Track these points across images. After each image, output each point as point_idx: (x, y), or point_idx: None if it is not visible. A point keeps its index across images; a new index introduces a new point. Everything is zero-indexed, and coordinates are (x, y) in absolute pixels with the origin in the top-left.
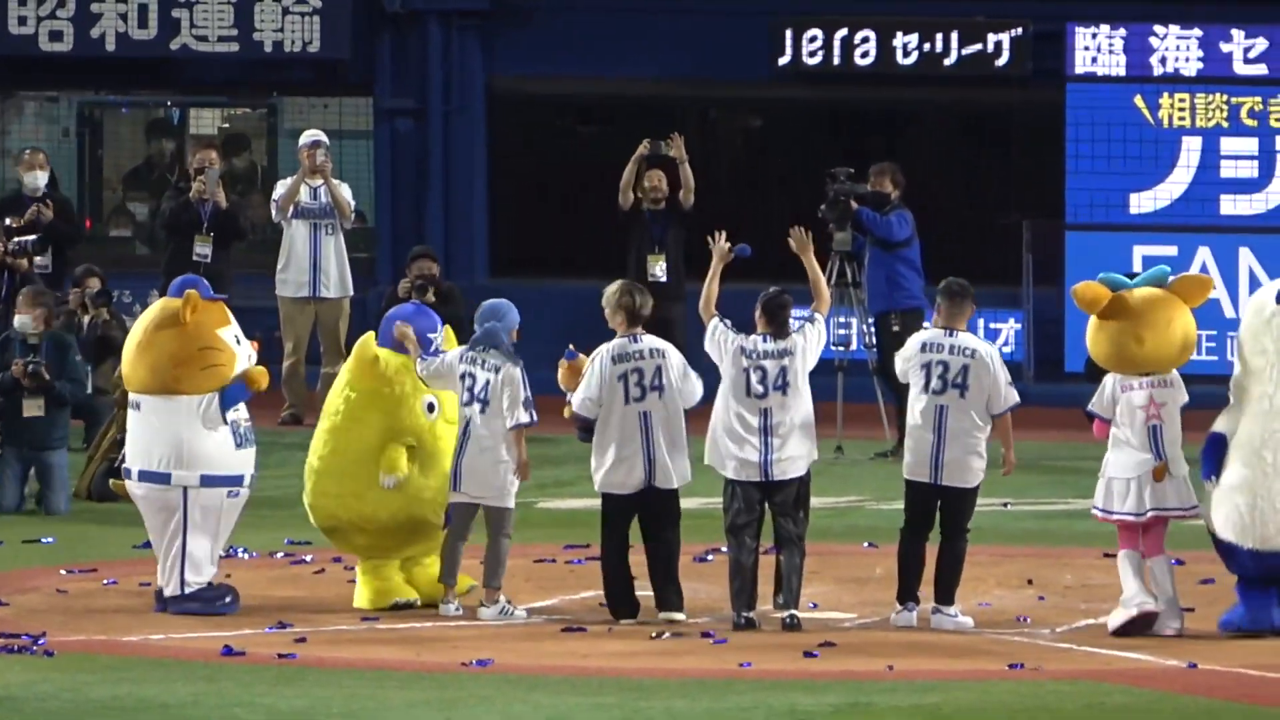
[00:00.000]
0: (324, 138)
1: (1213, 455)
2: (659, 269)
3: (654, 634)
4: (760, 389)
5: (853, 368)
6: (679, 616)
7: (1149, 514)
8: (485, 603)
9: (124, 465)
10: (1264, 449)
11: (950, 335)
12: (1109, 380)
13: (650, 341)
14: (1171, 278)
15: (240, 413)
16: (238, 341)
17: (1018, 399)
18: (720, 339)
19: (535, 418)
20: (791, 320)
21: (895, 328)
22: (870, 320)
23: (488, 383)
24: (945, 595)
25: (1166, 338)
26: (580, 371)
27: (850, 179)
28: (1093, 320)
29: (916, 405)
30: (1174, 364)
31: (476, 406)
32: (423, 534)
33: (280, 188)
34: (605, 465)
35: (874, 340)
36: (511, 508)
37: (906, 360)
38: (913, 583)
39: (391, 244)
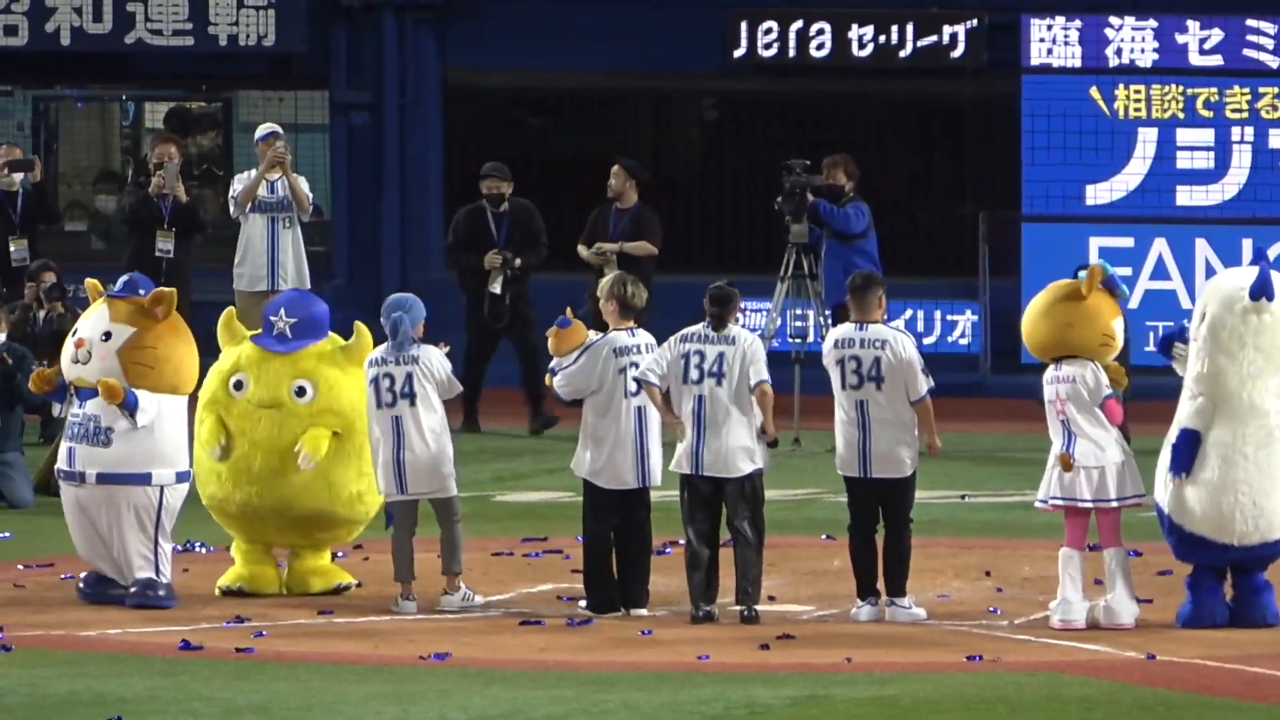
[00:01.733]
0: (279, 130)
1: (1184, 451)
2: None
3: (642, 631)
4: (696, 374)
5: (810, 359)
6: (644, 613)
7: (1087, 503)
8: (447, 590)
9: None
10: (1245, 446)
11: (861, 329)
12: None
13: (645, 336)
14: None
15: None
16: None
17: (931, 385)
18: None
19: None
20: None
21: None
22: (827, 312)
23: (409, 375)
24: (896, 587)
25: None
26: (573, 340)
27: (806, 171)
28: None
29: (839, 402)
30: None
31: (404, 403)
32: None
33: (238, 183)
34: (600, 458)
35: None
36: (457, 494)
37: (825, 358)
38: (868, 578)
39: (348, 238)
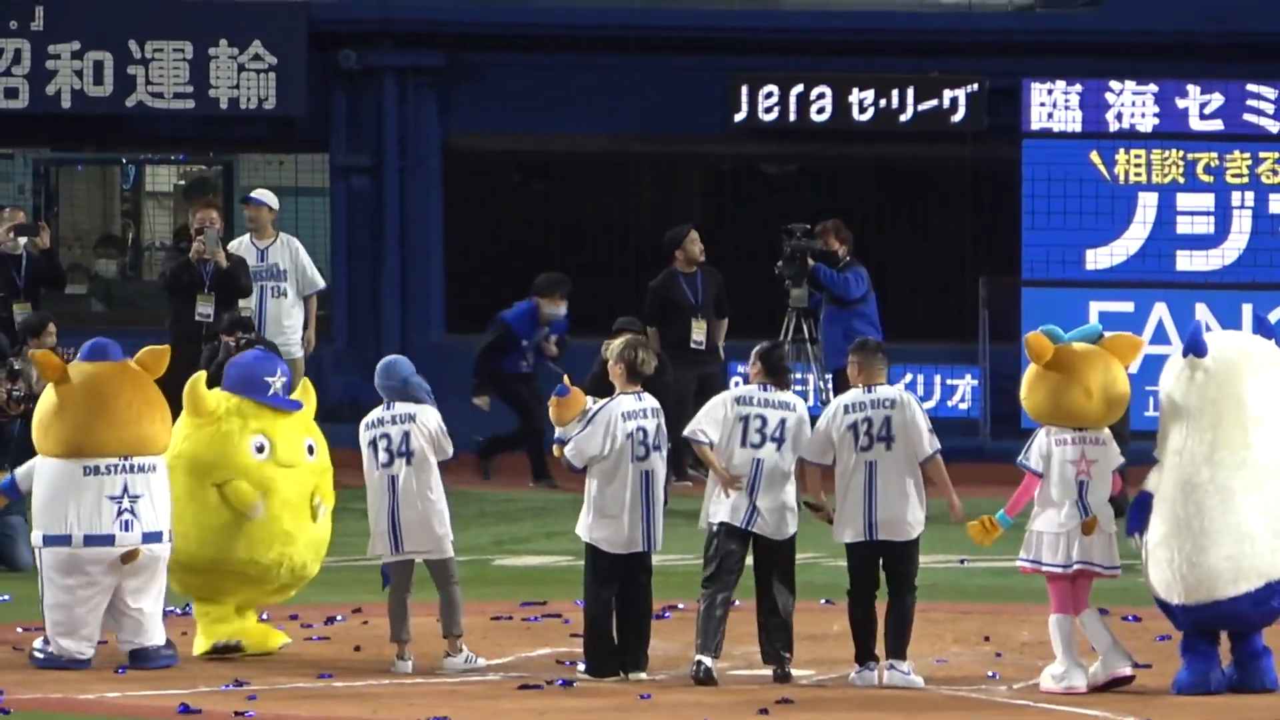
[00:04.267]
0: (256, 197)
1: (1139, 513)
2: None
3: (641, 695)
4: (757, 438)
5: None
6: (644, 676)
7: (1076, 566)
8: (449, 652)
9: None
10: (1183, 503)
11: (869, 391)
12: (1041, 433)
13: (651, 401)
14: (1106, 334)
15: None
16: None
17: (938, 445)
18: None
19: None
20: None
21: None
22: (827, 375)
23: (406, 435)
24: (897, 649)
25: (1114, 394)
26: (573, 408)
27: (807, 235)
28: (1032, 371)
29: (844, 466)
30: (1106, 420)
31: (400, 462)
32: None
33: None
34: (607, 523)
35: (831, 396)
36: (453, 556)
37: (831, 424)
38: (868, 643)
39: (347, 301)
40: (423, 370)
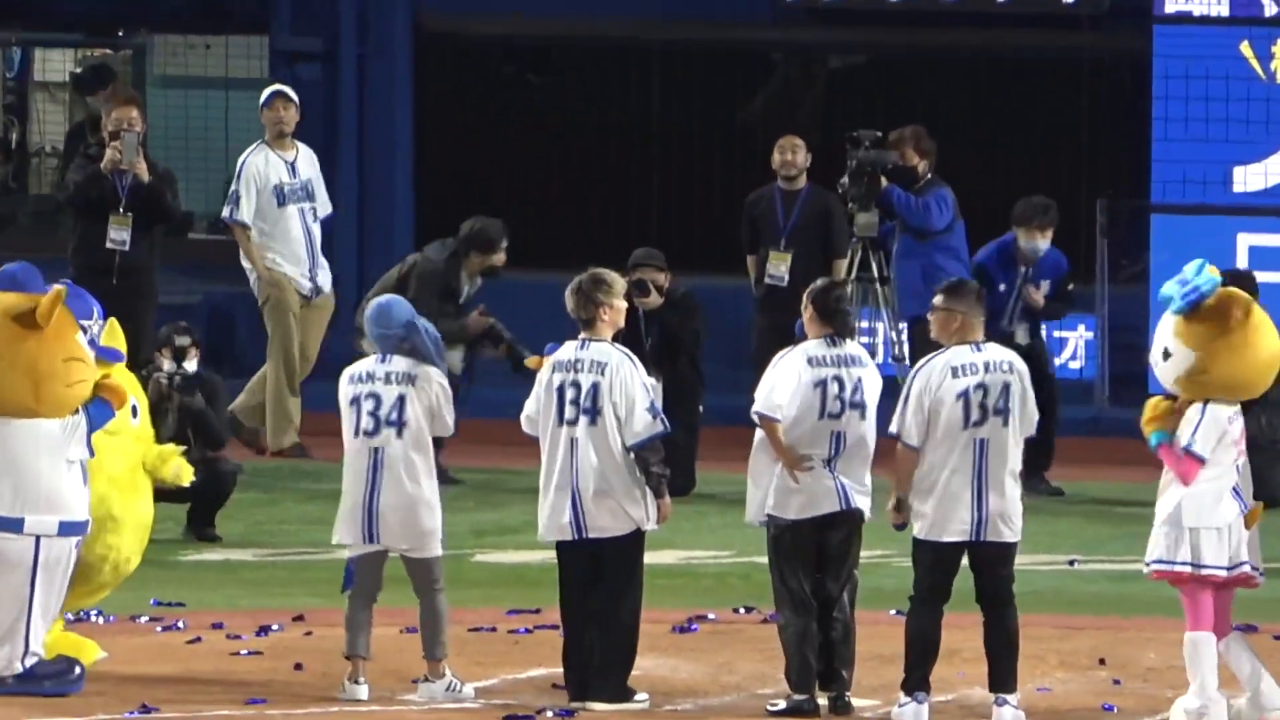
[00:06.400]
0: (282, 89)
1: None
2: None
3: None
4: (836, 406)
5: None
6: (604, 708)
7: (1242, 568)
8: (429, 676)
9: None
10: None
11: (977, 350)
12: (1213, 410)
13: (604, 351)
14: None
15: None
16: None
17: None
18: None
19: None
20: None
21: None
22: (901, 326)
23: (401, 400)
24: (1007, 680)
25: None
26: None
27: (878, 146)
28: (1211, 327)
29: (942, 446)
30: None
31: (389, 433)
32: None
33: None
34: (542, 504)
35: (906, 352)
36: (440, 555)
37: (933, 391)
38: (926, 666)
39: None
40: None
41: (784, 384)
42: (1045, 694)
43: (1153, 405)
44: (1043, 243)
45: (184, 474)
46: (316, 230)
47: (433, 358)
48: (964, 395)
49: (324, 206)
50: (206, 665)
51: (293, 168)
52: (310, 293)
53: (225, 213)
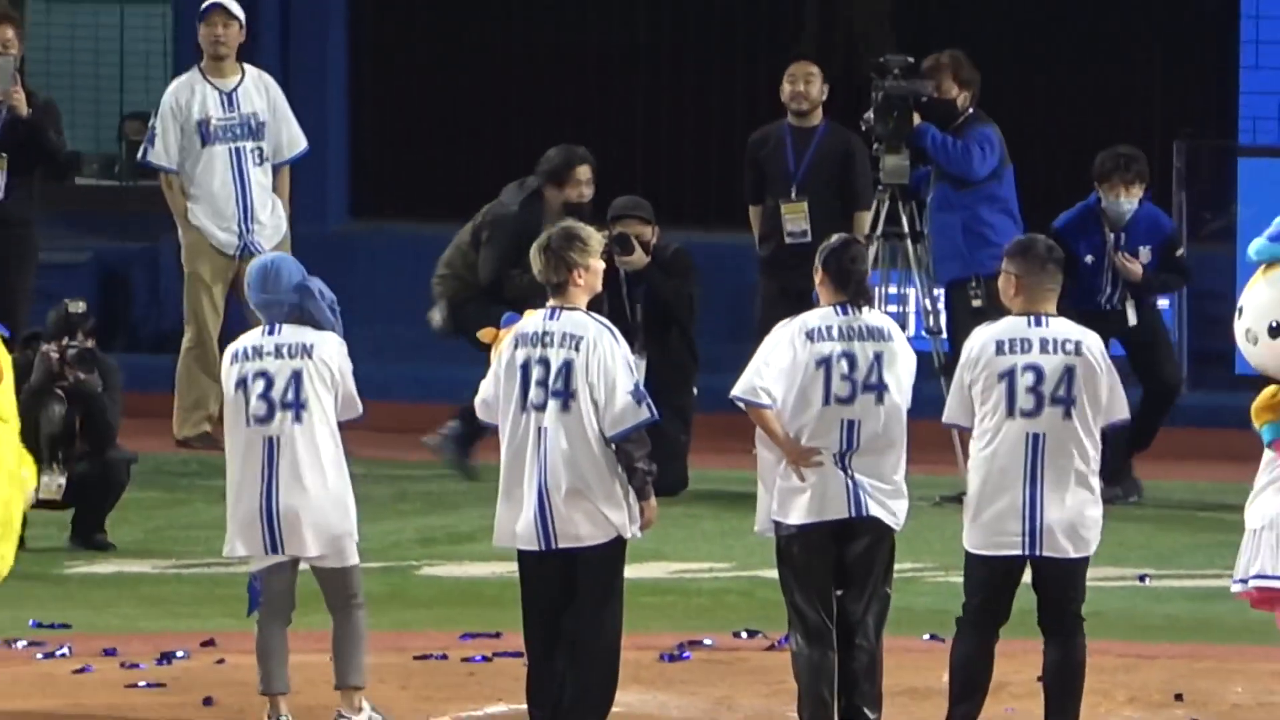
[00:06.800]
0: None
1: None
2: None
3: None
4: (846, 390)
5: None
6: None
7: None
8: (344, 712)
9: None
10: None
11: (1038, 324)
12: None
13: (578, 322)
14: None
15: None
16: None
17: (1128, 411)
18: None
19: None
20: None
21: (976, 302)
22: (937, 292)
23: (296, 377)
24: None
25: None
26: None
27: (909, 75)
28: None
29: (991, 438)
30: None
31: (284, 418)
32: None
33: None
34: (503, 502)
35: (942, 323)
36: (358, 564)
37: (973, 369)
38: (971, 704)
39: None
40: (316, 273)
41: (774, 362)
42: None
43: (1271, 393)
44: (1128, 202)
45: (29, 484)
46: (258, 176)
47: (331, 325)
48: (1009, 377)
49: (286, 146)
50: (97, 699)
51: (229, 99)
52: (237, 252)
53: (139, 153)
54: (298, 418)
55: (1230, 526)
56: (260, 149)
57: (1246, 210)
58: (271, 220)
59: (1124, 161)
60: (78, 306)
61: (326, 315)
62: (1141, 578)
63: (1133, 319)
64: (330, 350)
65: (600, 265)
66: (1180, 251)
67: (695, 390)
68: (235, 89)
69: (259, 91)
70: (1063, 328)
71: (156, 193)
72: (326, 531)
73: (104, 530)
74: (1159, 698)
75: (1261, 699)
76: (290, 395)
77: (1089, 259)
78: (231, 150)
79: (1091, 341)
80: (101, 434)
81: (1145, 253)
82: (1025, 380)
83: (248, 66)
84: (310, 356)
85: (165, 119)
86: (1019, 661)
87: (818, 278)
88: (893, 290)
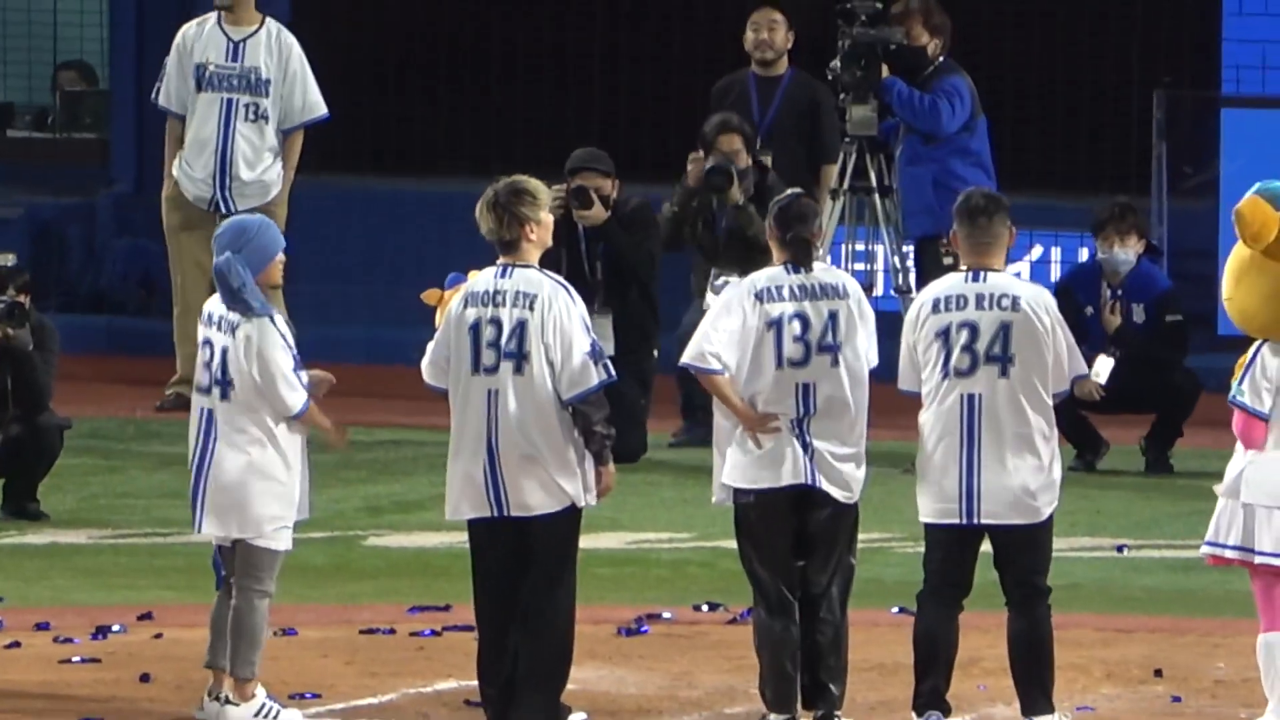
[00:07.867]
0: None
1: None
2: None
3: None
4: (799, 351)
5: (880, 326)
6: None
7: None
8: (233, 698)
9: None
10: None
11: (976, 279)
12: (1265, 354)
13: (531, 280)
14: None
15: None
16: None
17: (1086, 368)
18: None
19: (306, 405)
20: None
21: (948, 260)
22: (907, 249)
23: (225, 352)
24: (1038, 700)
25: None
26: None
27: (876, 22)
28: (1244, 256)
29: (931, 400)
30: None
31: (215, 393)
32: None
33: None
34: (451, 467)
35: (912, 282)
36: (276, 550)
37: (913, 332)
38: (939, 677)
39: (136, 121)
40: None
41: (723, 326)
42: (1088, 714)
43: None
44: (1123, 253)
45: None
46: (248, 133)
47: (248, 301)
48: (944, 335)
49: (299, 111)
50: (29, 676)
51: (235, 48)
52: (209, 207)
53: (153, 93)
54: (224, 395)
55: (1208, 494)
56: (256, 105)
57: (1230, 164)
58: (256, 181)
59: (1119, 211)
60: (7, 259)
61: (250, 298)
62: (1119, 548)
63: (1103, 376)
64: (265, 330)
65: (550, 219)
66: (1176, 317)
67: (655, 352)
68: (245, 40)
69: (271, 49)
70: (1001, 282)
71: (92, 146)
72: (242, 511)
73: (36, 499)
74: (1138, 673)
75: (1245, 674)
76: (220, 372)
77: (1089, 311)
78: (223, 100)
79: (1033, 296)
80: (34, 396)
81: (1139, 310)
82: (960, 338)
83: (270, 22)
84: (233, 335)
85: (173, 58)
86: (992, 636)
87: (768, 235)
88: (860, 247)
